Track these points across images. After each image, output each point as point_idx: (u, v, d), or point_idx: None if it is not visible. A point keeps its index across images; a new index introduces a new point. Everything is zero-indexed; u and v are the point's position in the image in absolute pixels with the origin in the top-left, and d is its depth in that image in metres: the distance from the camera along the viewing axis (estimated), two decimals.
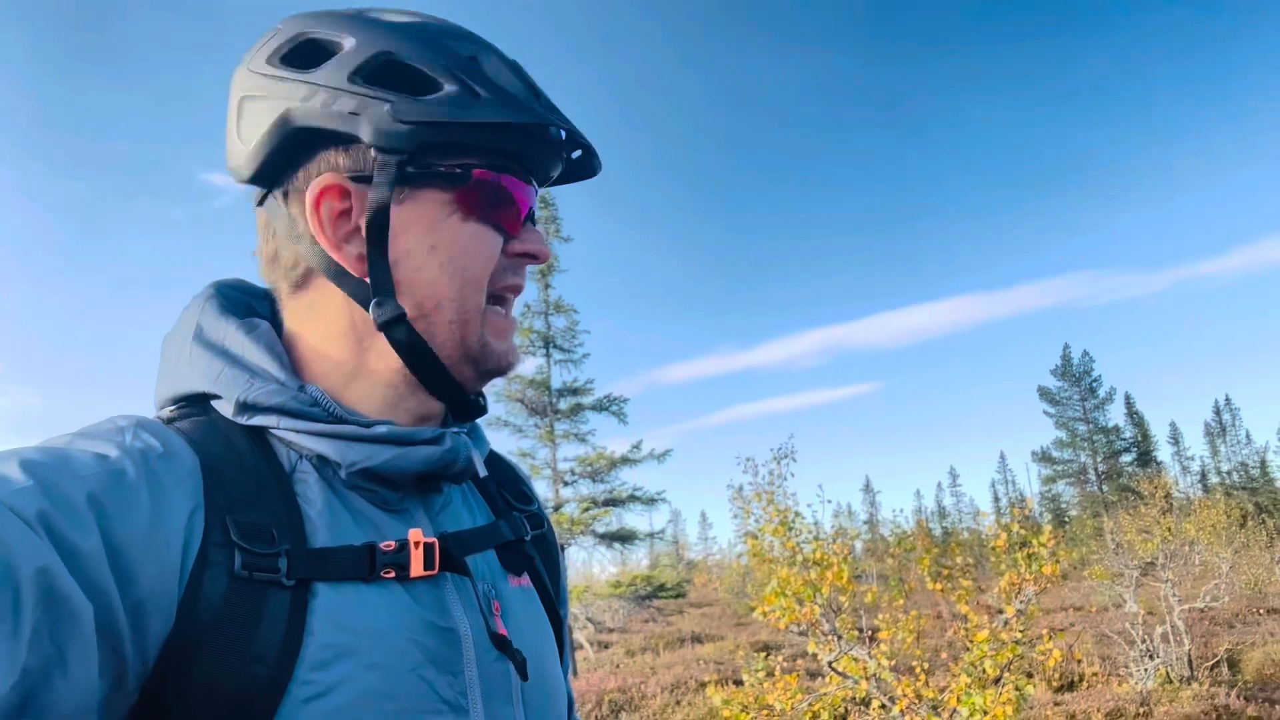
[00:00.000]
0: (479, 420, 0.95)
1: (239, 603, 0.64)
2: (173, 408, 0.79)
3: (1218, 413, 62.05)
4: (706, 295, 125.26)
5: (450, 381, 0.82)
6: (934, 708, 7.06)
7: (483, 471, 0.85)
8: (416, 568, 0.74)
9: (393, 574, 0.72)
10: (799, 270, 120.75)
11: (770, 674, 7.72)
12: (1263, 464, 58.25)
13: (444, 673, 0.72)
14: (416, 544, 0.74)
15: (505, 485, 0.98)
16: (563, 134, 0.82)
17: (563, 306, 18.68)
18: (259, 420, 0.75)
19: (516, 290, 0.84)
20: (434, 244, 0.78)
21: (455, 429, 0.87)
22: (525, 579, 0.90)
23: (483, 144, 0.79)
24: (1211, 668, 12.91)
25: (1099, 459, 49.72)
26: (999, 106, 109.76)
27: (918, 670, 7.24)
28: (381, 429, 0.77)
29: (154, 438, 0.70)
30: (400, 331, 0.79)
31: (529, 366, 18.01)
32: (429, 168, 0.77)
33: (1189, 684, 11.60)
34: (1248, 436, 60.89)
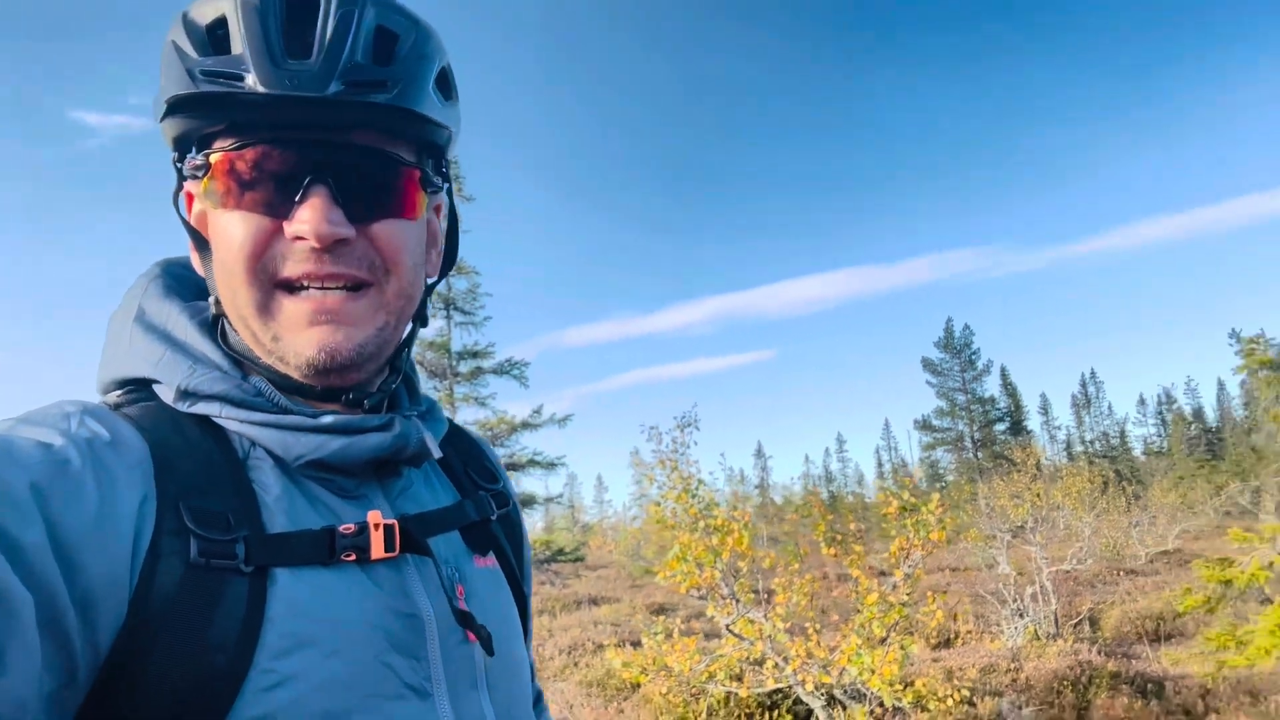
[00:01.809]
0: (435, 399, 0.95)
1: (195, 590, 0.63)
2: (119, 392, 0.77)
3: (1084, 385, 66.14)
4: (605, 260, 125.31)
5: (288, 380, 0.76)
6: (824, 667, 7.36)
7: (437, 454, 0.83)
8: (377, 550, 0.72)
9: (354, 557, 0.71)
10: (697, 239, 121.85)
11: (669, 636, 7.89)
12: (1122, 434, 62.61)
13: (407, 658, 0.72)
14: (376, 526, 0.73)
15: (470, 463, 0.96)
16: (245, 80, 0.69)
17: (464, 268, 18.31)
18: (200, 408, 0.73)
19: (307, 277, 0.72)
20: (215, 241, 0.76)
21: (407, 412, 0.85)
22: (490, 559, 0.88)
23: (203, 129, 0.74)
24: (1075, 625, 13.93)
25: (975, 427, 52.28)
26: (896, 88, 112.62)
27: (810, 631, 7.53)
28: (327, 419, 0.75)
29: (100, 425, 0.68)
30: (224, 329, 0.79)
31: (429, 329, 17.66)
32: (183, 164, 0.76)
33: (1054, 640, 12.45)
34: (1110, 408, 65.51)
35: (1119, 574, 19.23)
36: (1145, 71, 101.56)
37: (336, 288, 0.73)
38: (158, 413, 0.73)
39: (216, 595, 0.63)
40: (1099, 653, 11.38)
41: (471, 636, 0.77)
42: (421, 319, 0.86)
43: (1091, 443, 62.91)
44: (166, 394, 0.74)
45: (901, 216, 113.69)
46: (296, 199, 0.71)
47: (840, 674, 7.30)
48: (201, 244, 0.78)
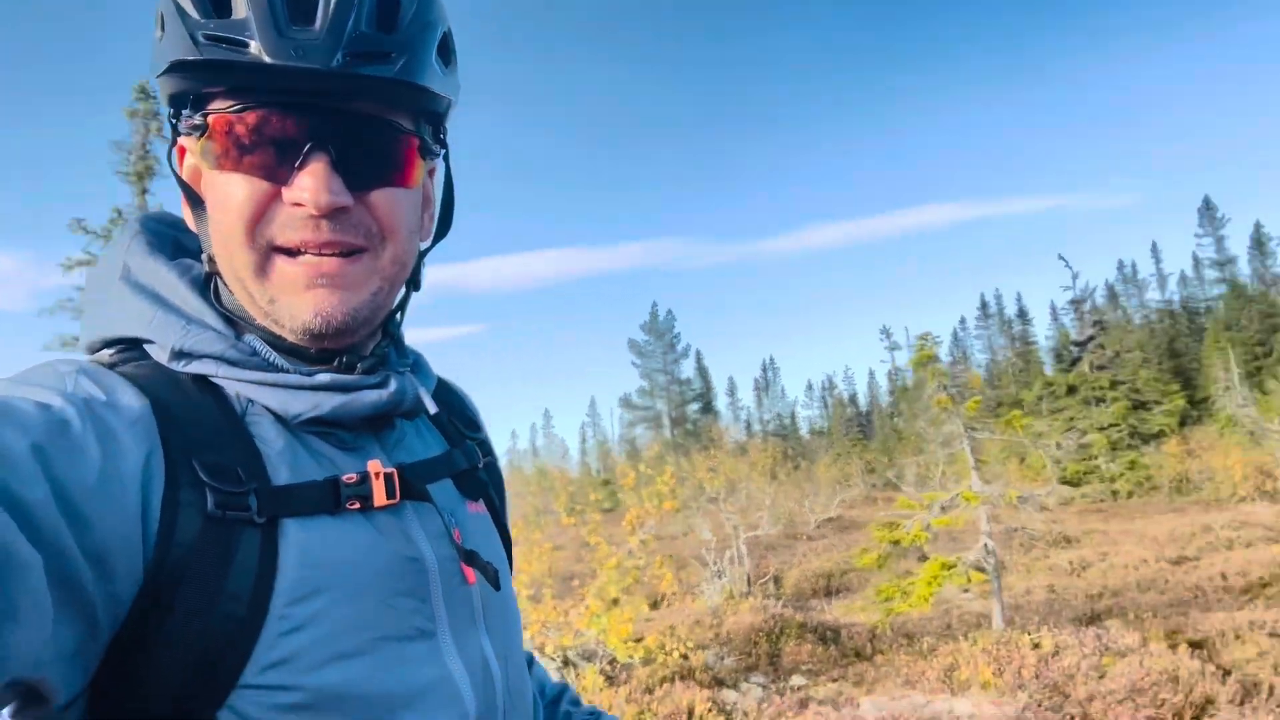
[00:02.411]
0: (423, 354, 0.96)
1: (213, 542, 0.64)
2: (112, 351, 0.77)
3: (764, 370, 72.89)
4: None
5: (282, 340, 0.77)
6: (560, 629, 7.75)
7: (433, 409, 0.84)
8: (379, 497, 0.75)
9: (357, 505, 0.73)
10: None
11: None
12: (793, 416, 70.03)
13: (412, 600, 0.75)
14: (377, 474, 0.75)
15: (455, 413, 0.99)
16: (249, 47, 0.68)
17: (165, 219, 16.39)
18: (195, 367, 0.74)
19: (305, 245, 0.72)
20: (210, 201, 0.75)
21: (399, 367, 0.86)
22: (480, 505, 0.92)
23: (201, 89, 0.72)
24: (763, 584, 15.64)
25: (672, 406, 56.04)
26: (621, 81, 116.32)
27: (547, 596, 7.88)
28: (324, 377, 0.76)
29: (98, 383, 0.68)
30: (217, 287, 0.79)
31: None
32: (179, 119, 0.75)
33: (747, 598, 13.90)
34: (784, 392, 72.77)
35: (796, 538, 21.80)
36: (824, 89, 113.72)
37: (333, 254, 0.73)
38: (154, 371, 0.73)
39: (232, 546, 0.65)
40: (784, 607, 12.88)
41: (471, 578, 0.81)
42: (415, 283, 0.86)
43: (768, 422, 69.67)
44: (160, 354, 0.74)
45: (614, 202, 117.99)
46: (296, 165, 0.71)
47: (577, 636, 7.71)
48: (194, 200, 0.77)
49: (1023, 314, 60.27)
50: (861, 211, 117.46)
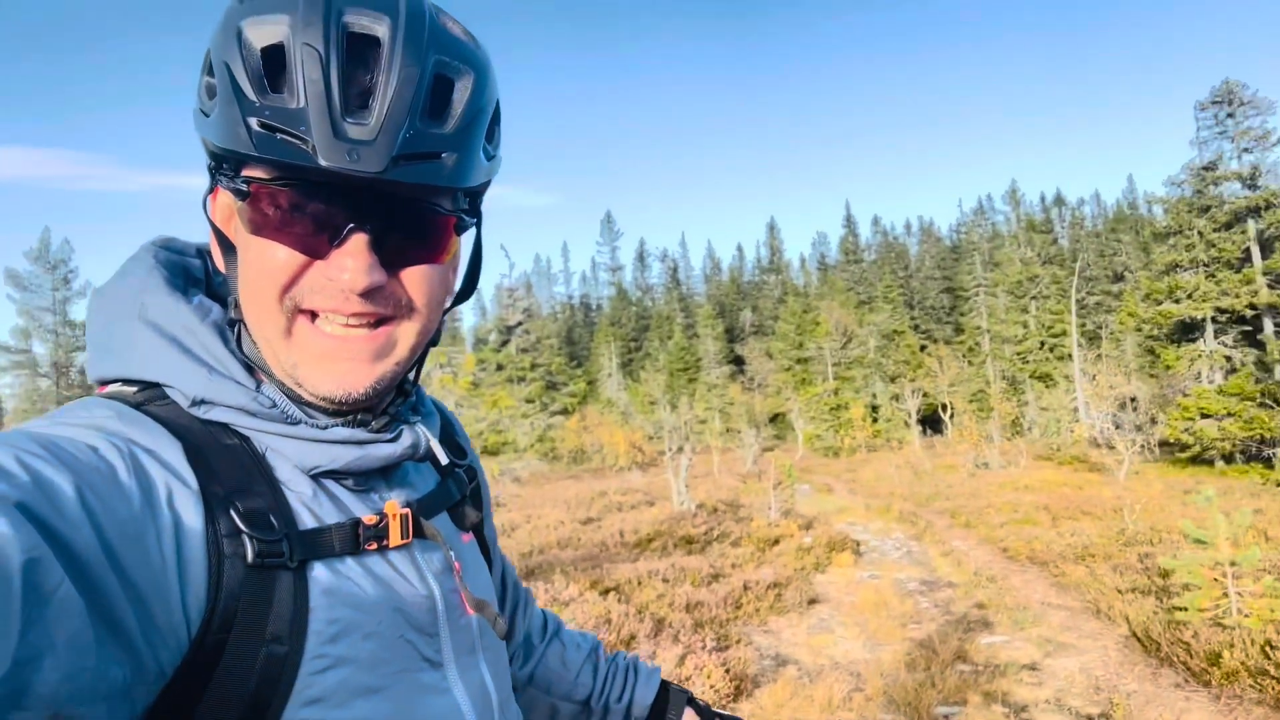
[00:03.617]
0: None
1: (254, 589, 0.67)
2: (135, 389, 0.76)
3: None
4: None
5: (300, 396, 0.77)
6: None
7: (444, 460, 0.86)
8: (395, 538, 0.77)
9: (374, 546, 0.76)
10: None
11: None
12: None
13: (423, 634, 0.78)
14: (394, 516, 0.78)
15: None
16: (304, 145, 0.66)
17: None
18: (215, 415, 0.74)
19: (335, 312, 0.73)
20: (243, 257, 0.74)
21: (409, 418, 0.87)
22: (470, 534, 0.95)
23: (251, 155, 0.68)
24: None
25: (60, 352, 47.64)
26: None
27: None
28: (340, 432, 0.77)
29: (136, 425, 0.69)
30: (240, 334, 0.78)
31: None
32: (221, 174, 0.73)
33: None
34: None
35: None
36: None
37: (359, 325, 0.74)
38: (182, 414, 0.73)
39: (270, 591, 0.67)
40: None
41: (470, 610, 0.84)
42: (433, 340, 0.86)
43: None
44: (179, 398, 0.74)
45: None
46: (335, 243, 0.71)
47: None
48: (225, 245, 0.77)
49: None
50: None
